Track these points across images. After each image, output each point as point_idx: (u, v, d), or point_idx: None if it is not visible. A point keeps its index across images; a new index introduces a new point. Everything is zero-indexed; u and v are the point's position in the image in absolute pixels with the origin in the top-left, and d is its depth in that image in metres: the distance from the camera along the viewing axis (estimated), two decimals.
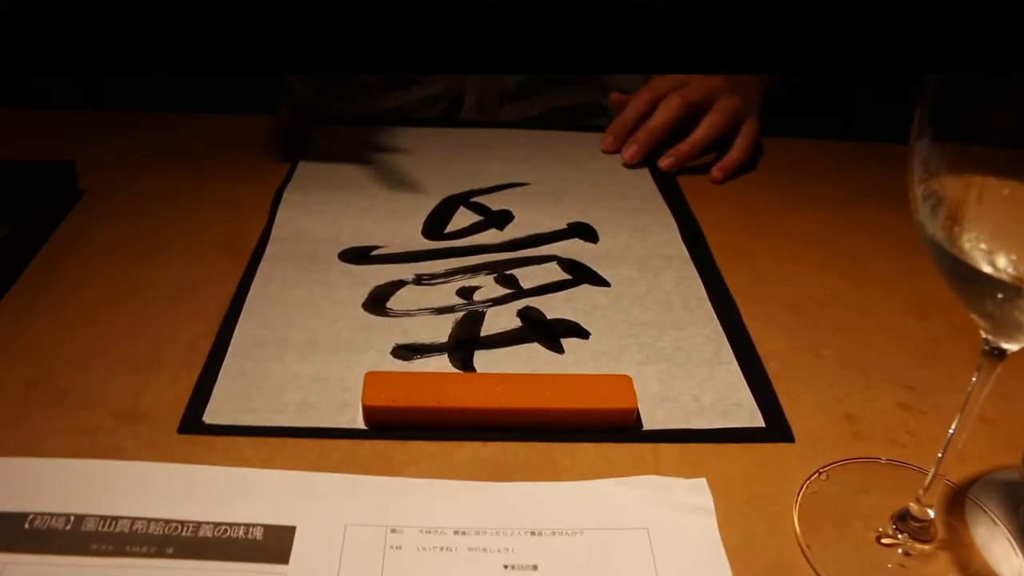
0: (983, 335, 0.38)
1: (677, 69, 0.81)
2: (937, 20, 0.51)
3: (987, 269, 0.34)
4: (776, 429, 0.51)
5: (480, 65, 0.73)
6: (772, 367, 0.56)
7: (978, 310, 0.36)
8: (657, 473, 0.48)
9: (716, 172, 0.82)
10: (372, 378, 0.50)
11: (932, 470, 0.44)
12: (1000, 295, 0.34)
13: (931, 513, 0.45)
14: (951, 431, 0.43)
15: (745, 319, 0.61)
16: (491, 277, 0.63)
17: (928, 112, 0.36)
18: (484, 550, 0.43)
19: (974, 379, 0.40)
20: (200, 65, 0.73)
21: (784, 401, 0.54)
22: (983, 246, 0.35)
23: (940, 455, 0.44)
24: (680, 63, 0.73)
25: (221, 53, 0.72)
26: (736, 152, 0.83)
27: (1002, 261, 0.35)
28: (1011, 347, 0.38)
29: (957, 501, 0.48)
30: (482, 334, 0.57)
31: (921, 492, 0.45)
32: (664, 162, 0.80)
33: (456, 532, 0.44)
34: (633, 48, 0.65)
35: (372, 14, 0.71)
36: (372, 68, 0.86)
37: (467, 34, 0.71)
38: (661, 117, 0.82)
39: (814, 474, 0.49)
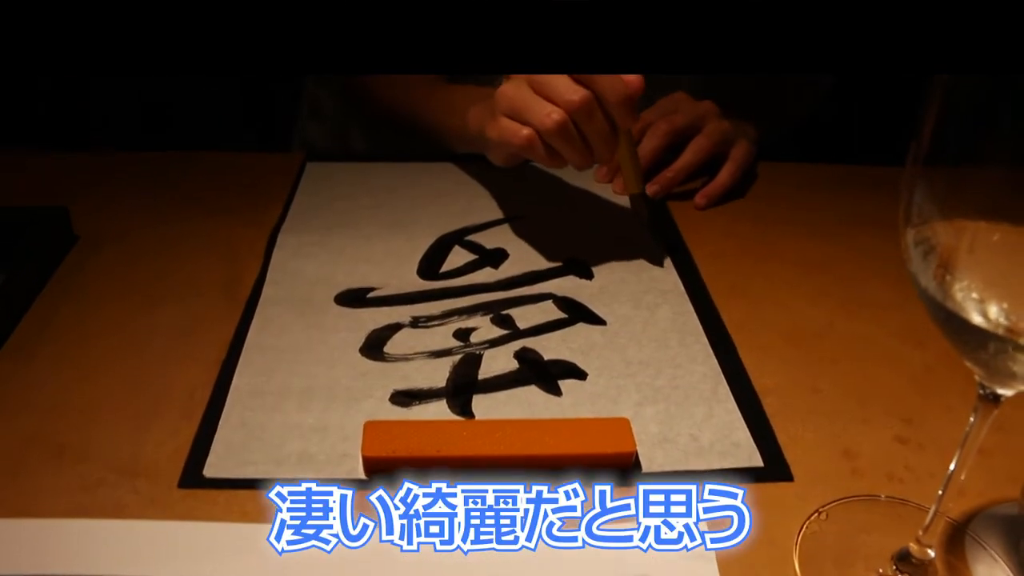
0: (978, 380, 0.39)
1: (673, 69, 0.80)
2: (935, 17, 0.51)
3: (978, 320, 0.34)
4: (775, 468, 0.52)
5: (475, 64, 0.73)
6: (769, 403, 0.57)
7: (972, 359, 0.36)
8: None
9: (699, 199, 0.82)
10: (371, 428, 0.50)
11: (932, 509, 0.44)
12: (993, 348, 0.34)
13: (931, 553, 0.45)
14: (951, 469, 0.43)
15: (741, 353, 0.61)
16: (487, 318, 0.63)
17: (919, 160, 0.36)
18: None
19: (972, 419, 0.41)
20: (199, 64, 0.73)
21: (782, 438, 0.54)
22: (975, 295, 0.36)
23: (940, 493, 0.44)
24: (679, 63, 0.72)
25: (222, 51, 0.72)
26: (723, 177, 0.83)
27: (994, 310, 0.35)
28: (1006, 393, 0.38)
29: (957, 538, 0.48)
30: (480, 377, 0.57)
31: (921, 532, 0.45)
32: (651, 189, 0.80)
33: None
34: (623, 45, 0.64)
35: (372, 12, 0.71)
36: (372, 67, 0.86)
37: (464, 33, 0.71)
38: (647, 144, 0.81)
39: (813, 514, 0.49)
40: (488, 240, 0.73)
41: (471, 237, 0.74)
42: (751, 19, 0.67)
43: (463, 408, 0.55)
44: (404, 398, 0.55)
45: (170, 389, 0.57)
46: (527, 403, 0.55)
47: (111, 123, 1.30)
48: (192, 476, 0.50)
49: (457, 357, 0.59)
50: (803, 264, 0.73)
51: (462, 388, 0.56)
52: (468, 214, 0.77)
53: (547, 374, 0.58)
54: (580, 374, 0.58)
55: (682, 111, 0.83)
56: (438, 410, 0.55)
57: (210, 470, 0.50)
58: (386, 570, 0.45)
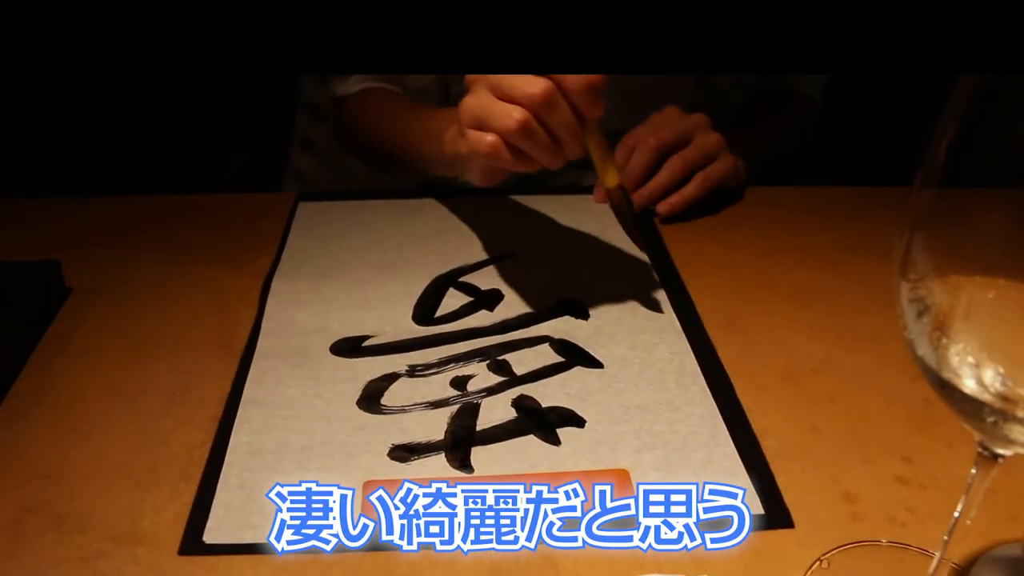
0: (977, 439, 0.39)
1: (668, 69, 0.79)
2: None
3: (974, 389, 0.34)
4: (776, 515, 0.51)
5: (467, 64, 0.72)
6: (768, 445, 0.57)
7: (970, 425, 0.36)
8: (659, 571, 0.48)
9: (661, 207, 0.82)
10: (370, 488, 0.50)
11: (936, 557, 0.44)
12: (990, 417, 0.34)
13: None
14: (955, 517, 0.43)
15: (739, 393, 0.61)
16: (484, 364, 0.63)
17: (917, 216, 0.36)
18: None
19: (973, 471, 0.41)
20: (198, 64, 0.73)
21: (781, 482, 0.54)
22: (971, 359, 0.36)
23: (945, 539, 0.43)
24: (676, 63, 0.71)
25: (219, 52, 0.71)
26: (690, 188, 0.82)
27: (989, 375, 0.35)
28: (1005, 453, 0.38)
29: None
30: (478, 428, 0.57)
31: None
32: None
33: None
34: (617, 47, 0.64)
35: (364, 13, 0.71)
36: (366, 67, 0.85)
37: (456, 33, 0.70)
38: (635, 161, 0.81)
39: (815, 563, 0.49)
40: (482, 281, 0.73)
41: (465, 278, 0.74)
42: (747, 19, 0.67)
43: (462, 462, 0.54)
44: (403, 452, 0.55)
45: (168, 449, 0.56)
46: (526, 454, 0.55)
47: (96, 167, 1.30)
48: (192, 542, 0.50)
49: (455, 407, 0.59)
50: (800, 295, 0.73)
51: (461, 441, 0.56)
52: (460, 253, 0.77)
53: (545, 422, 0.58)
54: (579, 421, 0.58)
55: (670, 125, 0.83)
56: (437, 464, 0.54)
57: (210, 535, 0.50)
58: None
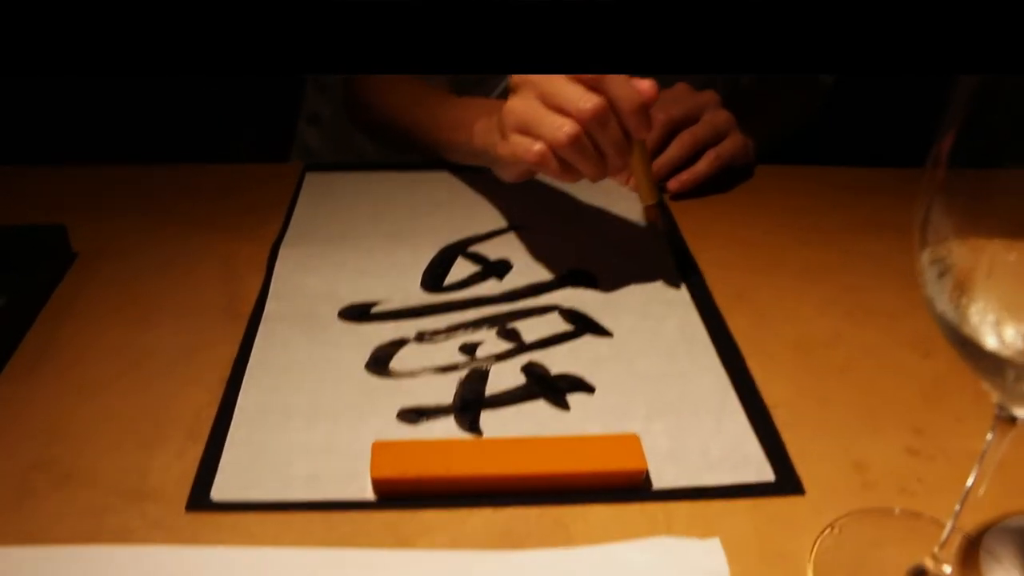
0: (995, 401, 0.38)
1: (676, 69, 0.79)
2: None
3: (994, 345, 0.34)
4: (786, 482, 0.51)
5: (473, 65, 0.72)
6: (778, 415, 0.56)
7: (990, 383, 0.36)
8: (669, 534, 0.48)
9: (671, 183, 0.81)
10: (379, 448, 0.50)
11: (949, 524, 0.44)
12: (1011, 374, 0.34)
13: (947, 569, 0.45)
14: (967, 485, 0.42)
15: (749, 364, 0.61)
16: (493, 331, 0.63)
17: (937, 177, 0.35)
18: None
19: (989, 437, 0.40)
20: (200, 65, 0.73)
21: (792, 450, 0.54)
22: (991, 317, 0.35)
23: (957, 509, 0.43)
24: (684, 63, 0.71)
25: (222, 52, 0.71)
26: (701, 165, 0.82)
27: (1010, 333, 0.35)
28: None
29: (971, 552, 0.48)
30: (487, 393, 0.57)
31: (937, 549, 0.45)
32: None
33: None
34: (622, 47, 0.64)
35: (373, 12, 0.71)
36: (371, 67, 0.85)
37: (463, 34, 0.70)
38: (673, 153, 0.81)
39: (826, 528, 0.49)
40: (491, 251, 0.73)
41: (474, 248, 0.73)
42: (759, 19, 0.67)
43: (471, 425, 0.54)
44: (412, 415, 0.55)
45: (175, 409, 0.56)
46: (535, 418, 0.55)
47: (105, 136, 1.29)
48: (199, 499, 0.49)
49: (464, 372, 0.59)
50: (809, 271, 0.72)
51: (470, 404, 0.56)
52: (470, 223, 0.77)
53: (555, 388, 0.57)
54: (588, 388, 0.57)
55: (680, 101, 0.82)
56: (446, 427, 0.54)
57: (217, 492, 0.49)
58: (403, 566, 0.45)
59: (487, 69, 0.69)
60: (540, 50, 0.63)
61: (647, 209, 0.70)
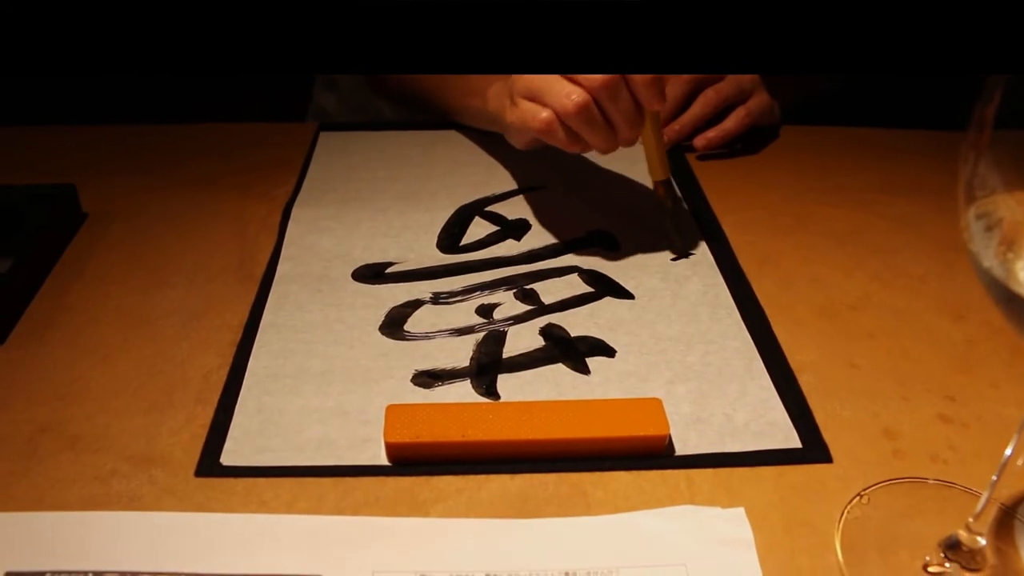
0: None
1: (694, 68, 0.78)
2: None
3: None
4: (813, 449, 0.50)
5: (488, 64, 0.70)
6: (805, 380, 0.54)
7: None
8: (692, 502, 0.46)
9: (698, 140, 0.80)
10: (393, 412, 0.49)
11: (984, 495, 0.42)
12: None
13: (982, 541, 0.43)
14: (1006, 455, 0.41)
15: (775, 328, 0.59)
16: (511, 293, 0.61)
17: (983, 128, 0.33)
18: None
19: None
20: (203, 64, 0.71)
21: (819, 417, 0.52)
22: None
23: (994, 479, 0.41)
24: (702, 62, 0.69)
25: (227, 51, 0.69)
26: (729, 123, 0.80)
27: None
28: None
29: (1006, 523, 0.46)
30: (504, 356, 0.55)
31: (971, 520, 0.43)
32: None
33: (488, 575, 0.42)
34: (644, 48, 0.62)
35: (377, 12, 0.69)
36: (375, 67, 0.83)
37: (472, 32, 0.68)
38: (668, 93, 0.78)
39: (855, 497, 0.47)
40: (509, 211, 0.71)
41: (491, 208, 0.72)
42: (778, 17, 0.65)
43: (488, 389, 0.53)
44: (427, 378, 0.54)
45: (185, 373, 0.55)
46: (554, 382, 0.53)
47: (115, 96, 1.28)
48: (209, 464, 0.48)
49: (480, 335, 0.57)
50: (836, 233, 0.70)
51: (487, 367, 0.54)
52: (487, 183, 0.75)
53: (574, 351, 0.56)
54: (608, 351, 0.56)
55: (728, 79, 0.80)
56: (462, 391, 0.53)
57: (227, 458, 0.48)
58: (418, 533, 0.44)
59: (491, 69, 0.67)
60: (543, 50, 0.61)
61: (656, 185, 0.67)
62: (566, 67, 0.59)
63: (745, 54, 0.62)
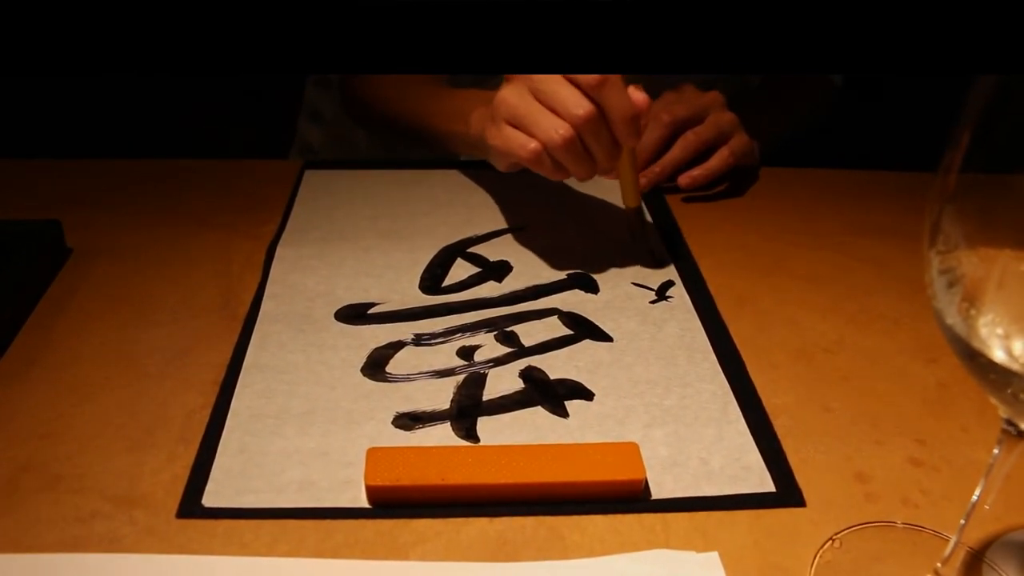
0: (1003, 416, 0.37)
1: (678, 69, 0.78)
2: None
3: (1003, 358, 0.33)
4: (787, 494, 0.50)
5: (474, 65, 0.72)
6: (780, 424, 0.55)
7: (998, 397, 0.35)
8: (667, 545, 0.47)
9: (682, 179, 0.81)
10: (374, 455, 0.49)
11: (953, 540, 0.43)
12: (1018, 387, 0.33)
13: None
14: (973, 500, 0.42)
15: (751, 370, 0.60)
16: (492, 335, 0.62)
17: (947, 187, 0.35)
18: None
19: (996, 451, 0.39)
20: (201, 65, 0.72)
21: (793, 460, 0.53)
22: (1000, 331, 0.34)
23: (962, 523, 0.42)
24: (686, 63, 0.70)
25: (223, 52, 0.70)
26: (713, 162, 0.81)
27: (1018, 346, 0.34)
28: None
29: (974, 567, 0.47)
30: (484, 398, 0.56)
31: (940, 564, 0.44)
32: (640, 181, 0.79)
33: None
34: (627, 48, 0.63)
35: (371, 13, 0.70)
36: (370, 67, 0.85)
37: (461, 34, 0.70)
38: (648, 136, 0.80)
39: (827, 542, 0.48)
40: (491, 252, 0.72)
41: (473, 249, 0.72)
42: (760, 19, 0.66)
43: (468, 432, 0.53)
44: (407, 421, 0.54)
45: (167, 412, 0.55)
46: (533, 426, 0.54)
47: (102, 130, 1.28)
48: (191, 506, 0.48)
49: (461, 377, 0.58)
50: (812, 276, 0.71)
51: (467, 410, 0.55)
52: (469, 224, 0.76)
53: (553, 394, 0.56)
54: (587, 394, 0.57)
55: (684, 100, 0.82)
56: (442, 433, 0.53)
57: (209, 499, 0.49)
58: None
59: (486, 70, 0.69)
60: (540, 50, 0.62)
61: (627, 211, 0.71)
62: (560, 67, 0.62)
63: (739, 54, 0.64)
